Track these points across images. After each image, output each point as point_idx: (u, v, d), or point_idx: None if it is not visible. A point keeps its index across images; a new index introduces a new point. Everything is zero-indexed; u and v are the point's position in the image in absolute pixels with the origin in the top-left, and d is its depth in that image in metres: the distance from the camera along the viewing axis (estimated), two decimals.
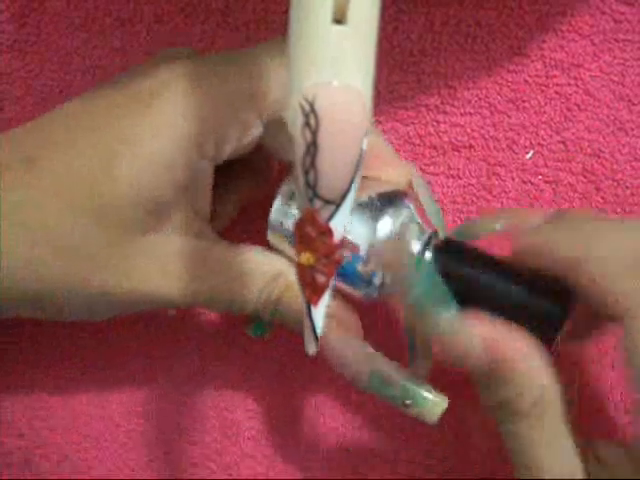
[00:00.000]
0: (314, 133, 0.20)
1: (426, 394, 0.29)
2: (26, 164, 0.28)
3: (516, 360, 0.27)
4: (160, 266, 0.28)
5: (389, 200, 0.29)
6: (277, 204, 0.30)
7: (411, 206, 0.30)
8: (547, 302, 0.28)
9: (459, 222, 0.36)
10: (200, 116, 0.28)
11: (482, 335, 0.27)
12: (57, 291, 0.28)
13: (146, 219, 0.28)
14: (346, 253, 0.29)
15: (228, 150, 0.29)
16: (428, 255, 0.29)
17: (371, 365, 0.29)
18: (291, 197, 0.30)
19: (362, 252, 0.29)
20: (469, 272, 0.29)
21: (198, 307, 0.30)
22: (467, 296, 0.28)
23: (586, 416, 0.35)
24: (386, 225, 0.29)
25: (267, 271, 0.30)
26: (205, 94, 0.28)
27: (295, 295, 0.30)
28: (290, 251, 0.30)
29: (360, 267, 0.29)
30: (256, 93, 0.28)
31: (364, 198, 0.29)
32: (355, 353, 0.29)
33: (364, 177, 0.30)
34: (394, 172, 0.30)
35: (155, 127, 0.27)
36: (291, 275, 0.30)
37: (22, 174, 0.27)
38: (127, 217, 0.27)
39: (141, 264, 0.28)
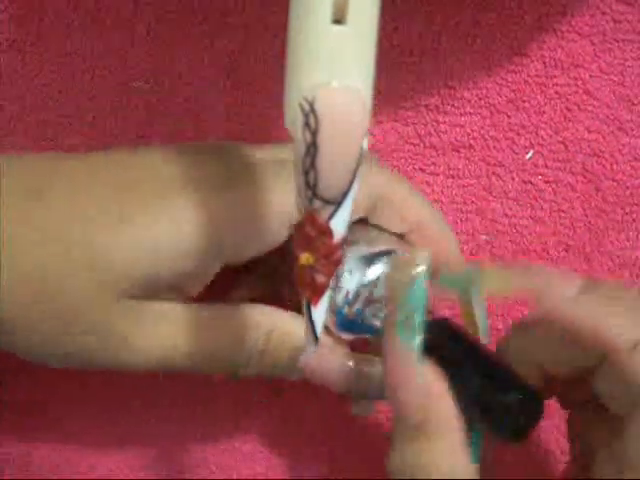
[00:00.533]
0: (314, 134, 0.20)
1: None
2: (34, 198, 0.27)
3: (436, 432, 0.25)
4: (149, 331, 0.28)
5: (387, 251, 0.30)
6: None
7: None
8: (511, 404, 0.27)
9: (459, 222, 0.36)
10: (222, 224, 0.27)
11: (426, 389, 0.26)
12: (39, 336, 0.27)
13: (138, 292, 0.27)
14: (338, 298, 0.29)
15: (247, 256, 0.28)
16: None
17: (353, 387, 0.30)
18: None
19: (350, 296, 0.29)
20: (447, 350, 0.28)
21: (195, 372, 0.30)
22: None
23: None
24: (377, 270, 0.29)
25: (261, 325, 0.29)
26: (230, 205, 0.27)
27: (288, 347, 0.29)
28: None
29: (346, 309, 0.29)
30: (285, 205, 0.28)
31: (374, 250, 0.30)
32: (338, 373, 0.30)
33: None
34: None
35: (175, 220, 0.27)
36: (284, 327, 0.29)
37: (27, 208, 0.27)
38: (119, 285, 0.27)
39: (126, 328, 0.28)
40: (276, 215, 0.28)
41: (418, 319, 0.26)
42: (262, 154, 0.30)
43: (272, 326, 0.29)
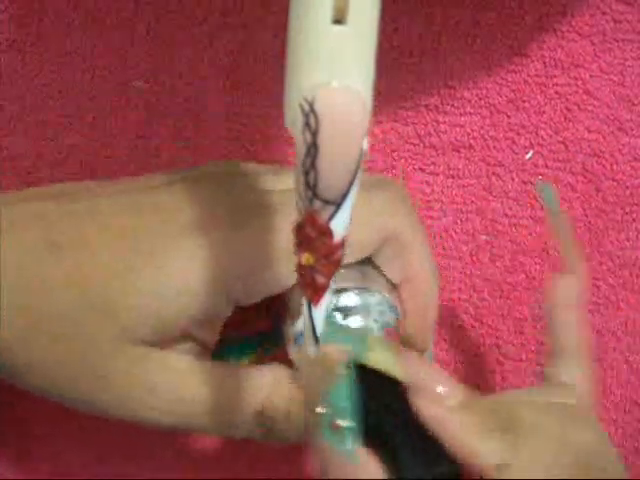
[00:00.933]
0: (314, 134, 0.20)
1: None
2: (50, 247, 0.27)
3: None
4: (158, 380, 0.28)
5: (370, 291, 0.29)
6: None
7: (393, 309, 0.29)
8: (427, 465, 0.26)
9: (459, 222, 0.36)
10: (230, 265, 0.27)
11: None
12: (47, 381, 0.28)
13: (150, 337, 0.27)
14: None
15: (258, 296, 0.28)
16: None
17: None
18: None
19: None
20: (377, 405, 0.27)
21: (196, 432, 0.29)
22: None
23: None
24: (349, 300, 0.29)
25: (266, 384, 0.29)
26: (239, 246, 0.27)
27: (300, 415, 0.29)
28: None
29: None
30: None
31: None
32: None
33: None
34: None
35: (185, 261, 0.27)
36: (297, 394, 0.29)
37: (44, 255, 0.27)
38: (129, 331, 0.27)
39: (131, 375, 0.27)
40: (284, 252, 0.27)
41: (346, 423, 0.25)
42: (268, 181, 0.30)
43: (287, 393, 0.28)
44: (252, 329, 0.32)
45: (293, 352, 0.29)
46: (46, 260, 0.27)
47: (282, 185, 0.30)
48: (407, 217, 0.30)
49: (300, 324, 0.28)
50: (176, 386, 0.28)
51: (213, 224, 0.28)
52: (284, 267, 0.27)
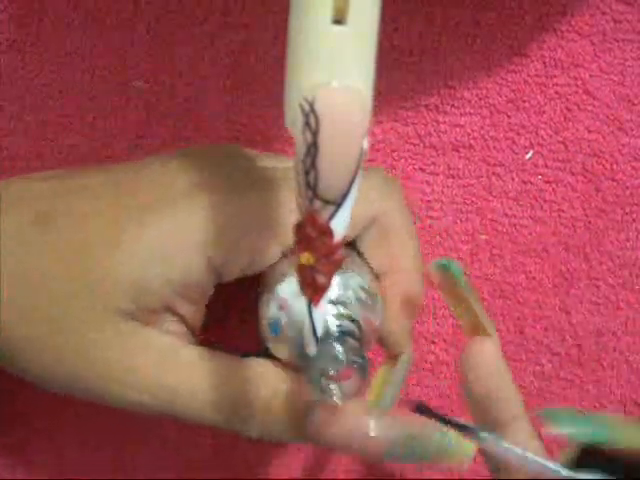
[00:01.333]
0: (314, 134, 0.20)
1: (451, 445, 0.27)
2: (42, 223, 0.27)
3: None
4: (144, 360, 0.27)
5: (352, 272, 0.29)
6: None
7: (374, 297, 0.29)
8: None
9: (459, 222, 0.36)
10: (216, 233, 0.27)
11: None
12: (45, 367, 0.28)
13: (132, 306, 0.27)
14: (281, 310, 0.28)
15: (237, 271, 0.28)
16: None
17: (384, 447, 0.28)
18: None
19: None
20: None
21: (181, 419, 0.28)
22: None
23: None
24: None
25: (268, 383, 0.28)
26: (226, 214, 0.27)
27: (293, 409, 0.28)
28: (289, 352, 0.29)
29: (284, 322, 0.28)
30: (278, 222, 0.27)
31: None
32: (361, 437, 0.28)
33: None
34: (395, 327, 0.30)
35: (168, 229, 0.27)
36: (290, 388, 0.28)
37: (35, 231, 0.27)
38: (110, 300, 0.27)
39: (114, 352, 0.27)
40: (277, 227, 0.27)
41: None
42: (263, 161, 0.30)
43: (277, 386, 0.28)
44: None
45: (269, 340, 0.29)
46: (37, 239, 0.27)
47: (285, 165, 0.30)
48: (398, 203, 0.30)
49: (273, 309, 0.28)
50: (157, 366, 0.28)
51: (204, 191, 0.28)
52: (269, 242, 0.27)
